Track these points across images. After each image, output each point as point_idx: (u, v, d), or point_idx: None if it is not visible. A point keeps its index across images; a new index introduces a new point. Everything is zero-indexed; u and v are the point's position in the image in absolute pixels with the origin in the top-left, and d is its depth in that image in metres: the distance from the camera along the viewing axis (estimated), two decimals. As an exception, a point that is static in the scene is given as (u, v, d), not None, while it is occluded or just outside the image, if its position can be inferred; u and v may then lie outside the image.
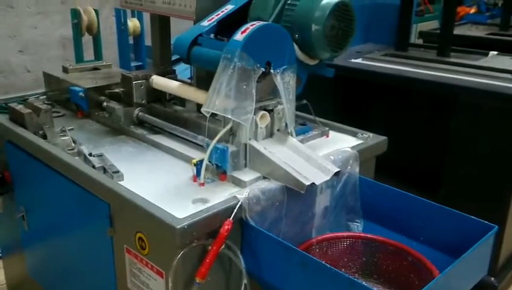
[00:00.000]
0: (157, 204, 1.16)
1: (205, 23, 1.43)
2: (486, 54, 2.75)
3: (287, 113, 1.36)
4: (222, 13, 1.46)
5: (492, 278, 2.30)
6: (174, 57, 1.93)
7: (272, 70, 1.29)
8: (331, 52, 1.39)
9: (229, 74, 1.22)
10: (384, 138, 1.61)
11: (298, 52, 1.39)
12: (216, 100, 1.22)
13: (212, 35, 1.41)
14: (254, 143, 1.32)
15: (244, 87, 1.24)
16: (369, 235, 1.38)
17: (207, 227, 1.14)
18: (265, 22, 1.31)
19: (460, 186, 2.26)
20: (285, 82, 1.32)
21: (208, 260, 1.12)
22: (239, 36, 1.25)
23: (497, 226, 1.20)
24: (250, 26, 1.26)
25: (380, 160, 1.61)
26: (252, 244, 1.20)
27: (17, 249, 1.89)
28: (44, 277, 1.81)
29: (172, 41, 1.92)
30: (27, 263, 1.86)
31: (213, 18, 1.44)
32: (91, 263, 1.49)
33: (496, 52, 2.77)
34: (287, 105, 1.34)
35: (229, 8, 1.47)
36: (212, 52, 1.34)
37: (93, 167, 1.36)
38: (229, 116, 1.24)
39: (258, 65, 1.26)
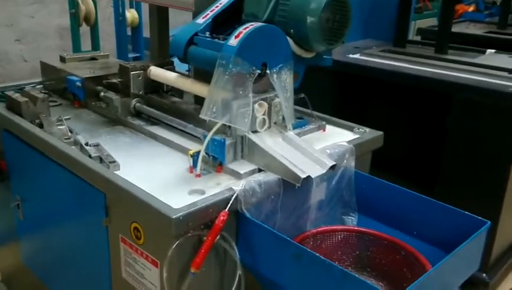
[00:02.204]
0: (153, 194, 1.16)
1: (200, 20, 1.43)
2: (484, 52, 2.76)
3: (284, 111, 1.36)
4: (217, 8, 1.45)
5: (484, 274, 2.32)
6: (172, 49, 1.93)
7: (268, 71, 1.30)
8: (327, 44, 1.39)
9: (225, 80, 1.23)
10: (381, 133, 1.61)
11: (294, 47, 1.39)
12: (214, 107, 1.23)
13: (207, 33, 1.41)
14: (251, 135, 1.33)
15: (241, 92, 1.25)
16: (362, 229, 1.39)
17: (203, 218, 1.14)
18: (258, 24, 1.30)
19: (455, 182, 2.27)
20: (282, 80, 1.33)
21: (203, 251, 1.13)
22: (233, 41, 1.25)
23: (489, 222, 1.21)
24: (243, 30, 1.26)
25: (376, 155, 1.62)
26: (247, 235, 1.21)
27: (12, 238, 1.89)
28: (39, 266, 1.81)
29: (170, 33, 1.92)
30: (22, 252, 1.86)
31: (208, 14, 1.44)
32: (86, 252, 1.49)
33: (493, 50, 2.78)
34: (285, 103, 1.34)
35: (223, 2, 1.46)
36: (208, 53, 1.34)
37: (90, 156, 1.36)
38: (228, 123, 1.25)
39: (254, 68, 1.27)
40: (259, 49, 1.28)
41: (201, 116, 1.25)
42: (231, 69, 1.23)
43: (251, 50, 1.26)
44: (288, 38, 1.37)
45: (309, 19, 1.33)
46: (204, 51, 1.37)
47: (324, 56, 1.49)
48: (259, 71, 1.28)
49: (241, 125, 1.26)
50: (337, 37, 1.40)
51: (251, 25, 1.28)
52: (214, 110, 1.23)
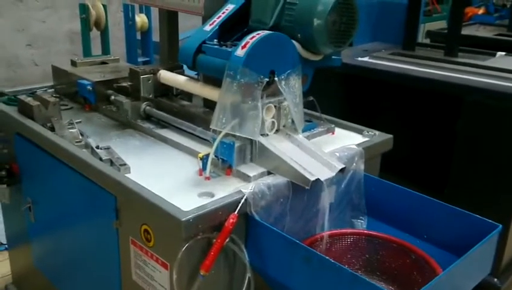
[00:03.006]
0: (163, 197, 1.17)
1: (207, 27, 1.44)
2: (494, 55, 2.73)
3: (294, 116, 1.37)
4: (223, 15, 1.46)
5: (495, 279, 2.29)
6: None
7: (276, 78, 1.30)
8: (334, 47, 1.39)
9: (233, 90, 1.24)
10: (390, 136, 1.61)
11: (301, 50, 1.39)
12: (223, 118, 1.24)
13: (215, 41, 1.42)
14: (260, 138, 1.33)
15: (250, 102, 1.26)
16: (372, 232, 1.39)
17: (212, 220, 1.15)
18: (265, 32, 1.31)
19: (465, 186, 2.25)
20: (291, 86, 1.33)
21: (212, 253, 1.13)
22: (240, 51, 1.26)
23: (501, 225, 1.20)
24: (250, 40, 1.27)
25: (385, 158, 1.61)
26: (257, 238, 1.21)
27: (23, 240, 1.91)
28: (50, 268, 1.82)
29: (180, 37, 1.93)
30: (33, 254, 1.88)
31: (214, 21, 1.45)
32: (96, 254, 1.50)
33: (503, 53, 2.76)
34: (294, 108, 1.35)
35: (229, 8, 1.47)
36: (216, 61, 1.36)
37: (100, 159, 1.37)
38: (237, 134, 1.26)
39: (262, 76, 1.28)
40: (267, 58, 1.29)
41: (212, 126, 1.27)
42: (239, 80, 1.24)
43: (258, 59, 1.27)
44: (295, 42, 1.37)
45: (316, 22, 1.33)
46: (212, 59, 1.38)
47: (333, 57, 1.49)
48: (267, 79, 1.29)
49: (250, 135, 1.28)
50: (344, 39, 1.40)
51: (257, 34, 1.29)
52: (224, 120, 1.24)
